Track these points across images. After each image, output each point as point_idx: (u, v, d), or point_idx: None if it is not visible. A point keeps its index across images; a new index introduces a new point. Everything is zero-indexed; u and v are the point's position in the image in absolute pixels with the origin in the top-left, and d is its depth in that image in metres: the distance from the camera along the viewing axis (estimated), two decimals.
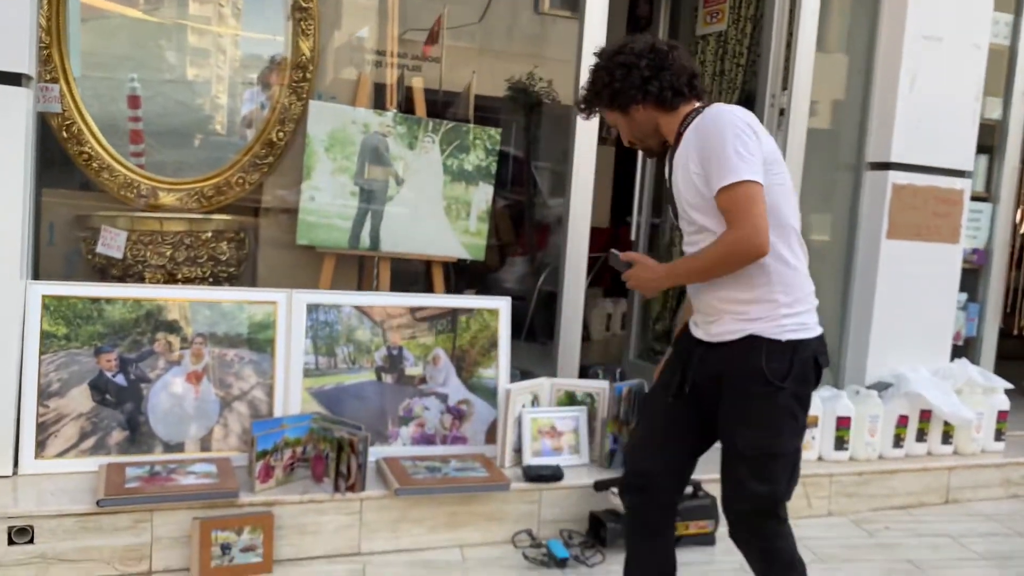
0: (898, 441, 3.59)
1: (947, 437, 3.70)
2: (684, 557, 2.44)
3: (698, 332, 2.11)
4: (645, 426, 2.31)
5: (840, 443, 3.48)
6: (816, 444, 3.46)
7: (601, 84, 2.09)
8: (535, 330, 5.41)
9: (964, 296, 4.24)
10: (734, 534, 2.12)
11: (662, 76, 2.04)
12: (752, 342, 1.98)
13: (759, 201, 1.88)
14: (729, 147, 1.89)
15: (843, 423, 3.47)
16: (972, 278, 4.33)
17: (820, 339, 2.08)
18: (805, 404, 2.06)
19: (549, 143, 6.24)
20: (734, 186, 1.88)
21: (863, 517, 3.39)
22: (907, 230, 3.77)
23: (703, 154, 1.92)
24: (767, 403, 1.98)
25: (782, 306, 1.99)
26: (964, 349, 4.34)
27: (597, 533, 2.86)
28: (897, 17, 3.73)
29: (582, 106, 2.18)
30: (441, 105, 4.41)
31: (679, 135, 2.05)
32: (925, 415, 3.63)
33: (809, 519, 3.31)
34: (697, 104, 2.08)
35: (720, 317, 2.03)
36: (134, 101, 3.10)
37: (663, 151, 2.15)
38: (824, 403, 3.48)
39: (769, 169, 1.94)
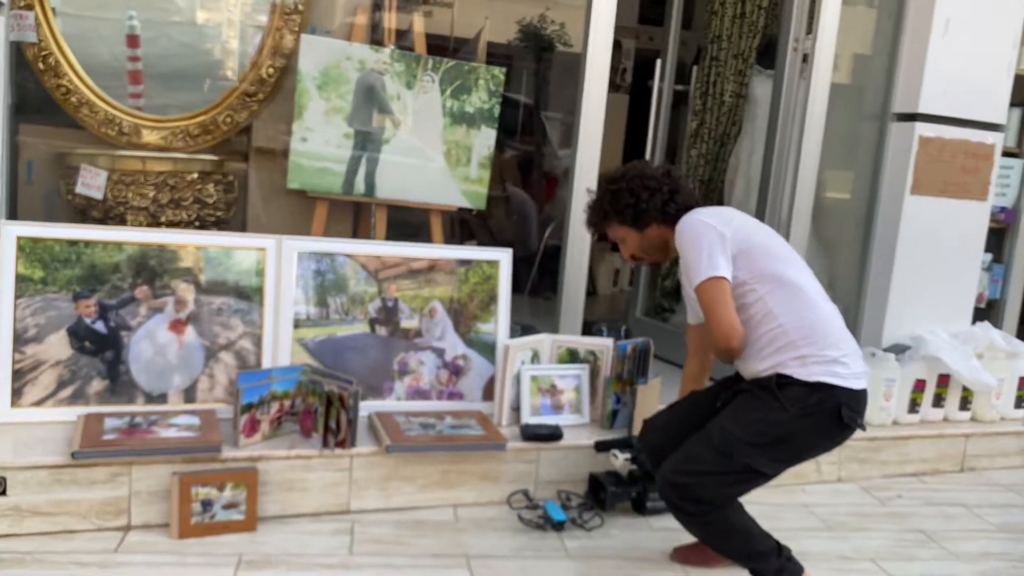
0: (914, 406, 3.45)
1: (965, 403, 3.55)
2: (663, 523, 2.36)
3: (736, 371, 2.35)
4: (673, 408, 2.53)
5: None
6: None
7: (624, 204, 2.33)
8: (540, 284, 5.28)
9: (989, 257, 4.06)
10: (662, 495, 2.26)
11: (677, 198, 2.32)
12: (778, 377, 2.15)
13: (720, 298, 2.13)
14: (690, 251, 2.19)
15: None
16: (998, 238, 4.15)
17: (853, 393, 2.14)
18: (802, 447, 2.19)
19: (559, 90, 6.03)
20: (699, 286, 2.15)
21: (874, 484, 3.27)
22: (933, 186, 3.58)
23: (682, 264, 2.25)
24: (762, 414, 2.13)
25: (807, 356, 2.12)
26: (987, 312, 4.17)
27: (596, 495, 2.74)
28: None
29: (595, 221, 2.44)
30: (452, 52, 4.23)
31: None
32: (943, 380, 3.48)
33: (818, 485, 3.19)
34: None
35: (748, 362, 2.23)
36: (133, 40, 2.93)
37: (661, 262, 2.50)
38: None
39: (743, 245, 2.17)
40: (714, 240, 2.15)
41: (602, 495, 2.68)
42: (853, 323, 3.79)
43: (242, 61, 3.03)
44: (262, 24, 2.98)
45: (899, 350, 3.51)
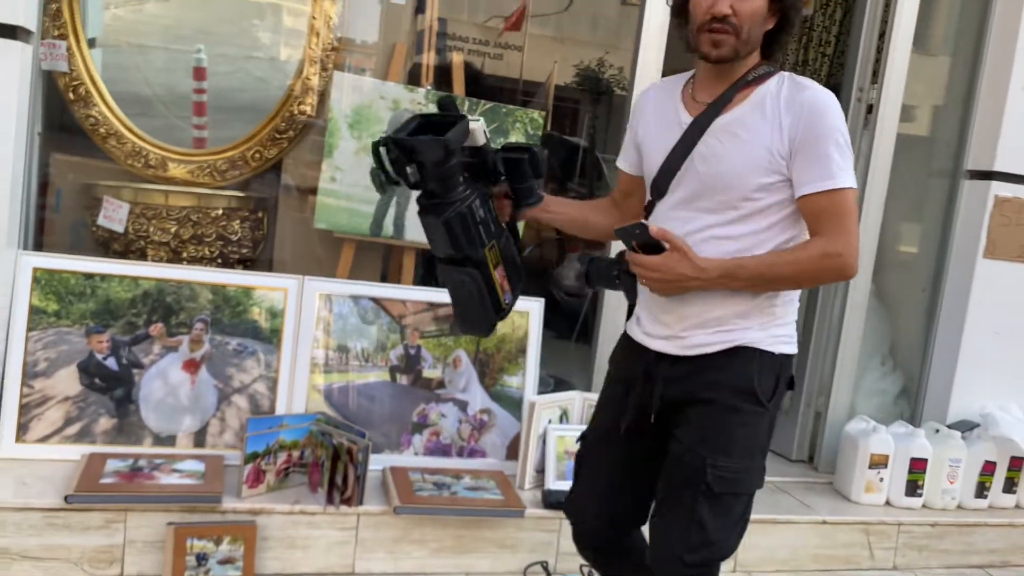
0: (982, 490, 3.15)
1: None
2: None
3: (658, 343, 1.75)
4: (593, 476, 1.87)
5: (913, 488, 3.05)
6: (885, 487, 3.05)
7: None
8: (588, 332, 5.11)
9: None
10: None
11: None
12: (741, 354, 1.69)
13: (856, 214, 1.66)
14: (840, 140, 1.63)
15: (918, 465, 3.05)
16: None
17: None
18: (771, 435, 1.80)
19: (617, 134, 5.91)
20: (839, 192, 1.62)
21: (934, 575, 2.97)
22: (1009, 250, 3.31)
23: (804, 138, 1.61)
24: (749, 429, 1.70)
25: (778, 315, 1.73)
26: None
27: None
28: (1011, 16, 3.30)
29: None
30: (521, 94, 4.15)
31: (737, 85, 1.67)
32: (1016, 462, 3.18)
33: (871, 572, 2.91)
34: (763, 62, 1.71)
35: (703, 324, 1.70)
36: (199, 73, 2.91)
37: (726, 58, 1.66)
38: (897, 441, 3.06)
39: None
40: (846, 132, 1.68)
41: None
42: (915, 393, 3.51)
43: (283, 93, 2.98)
44: (297, 59, 2.91)
45: (966, 427, 3.22)
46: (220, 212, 2.76)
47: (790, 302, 1.75)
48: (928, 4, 3.31)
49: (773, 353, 1.71)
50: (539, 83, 5.03)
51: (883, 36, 3.25)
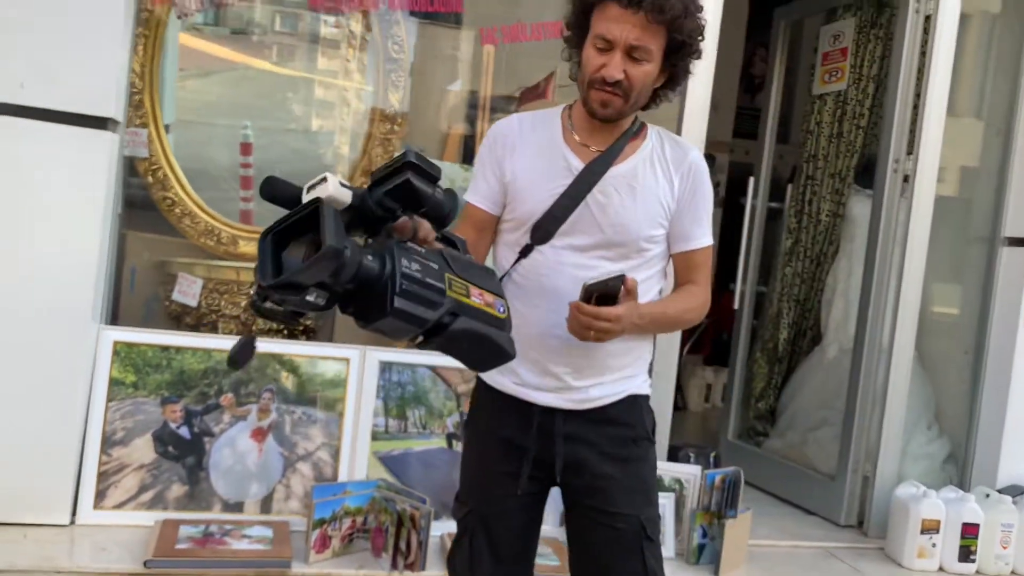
0: None
1: None
2: None
3: (545, 396, 1.68)
4: (498, 548, 1.75)
5: (966, 554, 3.06)
6: (938, 552, 3.06)
7: (697, 23, 1.65)
8: None
9: None
10: None
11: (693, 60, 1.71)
12: (633, 402, 1.74)
13: None
14: (712, 200, 1.77)
15: (970, 530, 3.06)
16: None
17: None
18: None
19: None
20: (710, 248, 1.77)
21: None
22: None
23: (691, 199, 1.71)
24: (653, 470, 1.78)
25: (647, 361, 1.80)
26: None
27: None
28: None
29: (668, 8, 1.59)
30: None
31: (626, 136, 1.69)
32: None
33: None
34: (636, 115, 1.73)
35: (601, 377, 1.69)
36: (246, 148, 3.10)
37: (612, 119, 1.65)
38: (948, 506, 3.08)
39: None
40: None
41: None
42: (963, 458, 3.53)
43: (350, 168, 3.16)
44: (361, 131, 3.10)
45: (1016, 492, 3.23)
46: None
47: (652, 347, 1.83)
48: (960, 67, 3.42)
49: (648, 395, 1.79)
50: None
51: (916, 107, 3.36)
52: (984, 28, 3.77)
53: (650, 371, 1.82)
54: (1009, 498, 3.15)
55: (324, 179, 1.27)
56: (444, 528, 2.74)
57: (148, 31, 2.82)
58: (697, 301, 1.75)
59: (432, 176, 1.33)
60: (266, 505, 2.72)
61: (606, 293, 1.57)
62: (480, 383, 1.79)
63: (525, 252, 1.69)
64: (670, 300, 1.76)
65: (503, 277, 1.70)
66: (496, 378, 1.73)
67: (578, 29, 1.67)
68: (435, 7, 2.96)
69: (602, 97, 1.62)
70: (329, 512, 2.53)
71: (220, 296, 2.86)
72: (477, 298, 1.37)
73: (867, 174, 3.72)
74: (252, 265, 2.93)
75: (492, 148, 1.73)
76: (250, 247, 2.98)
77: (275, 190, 1.34)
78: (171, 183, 2.90)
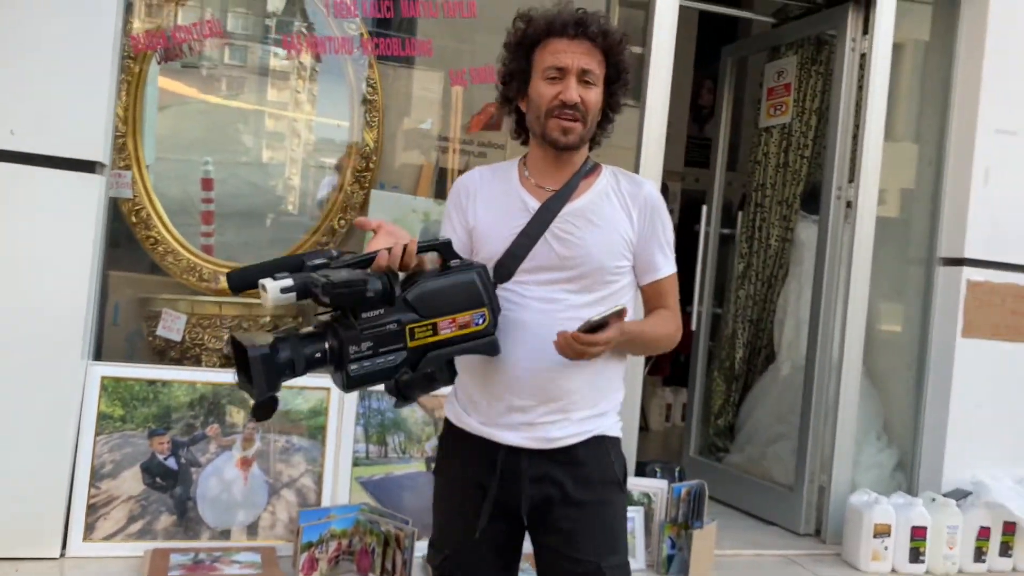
0: (980, 555, 3.35)
1: None
2: None
3: (508, 435, 1.68)
4: None
5: (916, 555, 3.26)
6: (890, 555, 3.25)
7: (629, 55, 1.77)
8: None
9: None
10: None
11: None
12: (600, 443, 1.72)
13: None
14: (671, 230, 1.81)
15: (918, 533, 3.26)
16: None
17: None
18: None
19: None
20: (675, 275, 1.82)
21: None
22: (984, 328, 3.60)
23: (651, 231, 1.75)
24: (620, 518, 1.76)
25: (617, 400, 1.79)
26: None
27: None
28: (969, 110, 3.65)
29: (593, 28, 1.69)
30: None
31: (579, 174, 1.74)
32: (1009, 527, 3.39)
33: None
34: (587, 155, 1.80)
35: (567, 414, 1.68)
36: (207, 183, 3.19)
37: (573, 145, 1.71)
38: (898, 511, 3.28)
39: None
40: None
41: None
42: (910, 466, 3.74)
43: (302, 199, 3.26)
44: (324, 164, 3.21)
45: (960, 495, 3.44)
46: (268, 319, 3.01)
47: (623, 390, 1.82)
48: (895, 94, 3.64)
49: (619, 438, 1.76)
50: None
51: (856, 137, 3.60)
52: (916, 56, 4.04)
53: None
54: (953, 501, 3.35)
55: (264, 288, 1.37)
56: (422, 549, 2.84)
57: (131, 77, 2.93)
58: (672, 326, 1.79)
59: (349, 283, 1.37)
60: (252, 531, 2.80)
61: (602, 324, 1.58)
62: (447, 424, 1.79)
63: None
64: (648, 321, 1.79)
65: None
66: (462, 417, 1.74)
67: (520, 73, 1.73)
68: (407, 51, 3.12)
69: (562, 124, 1.68)
70: (316, 536, 2.63)
71: (203, 330, 2.95)
72: (447, 328, 1.48)
73: (812, 201, 3.95)
74: (234, 300, 3.03)
75: (456, 199, 1.80)
76: None
77: (239, 283, 1.47)
78: (154, 222, 2.99)
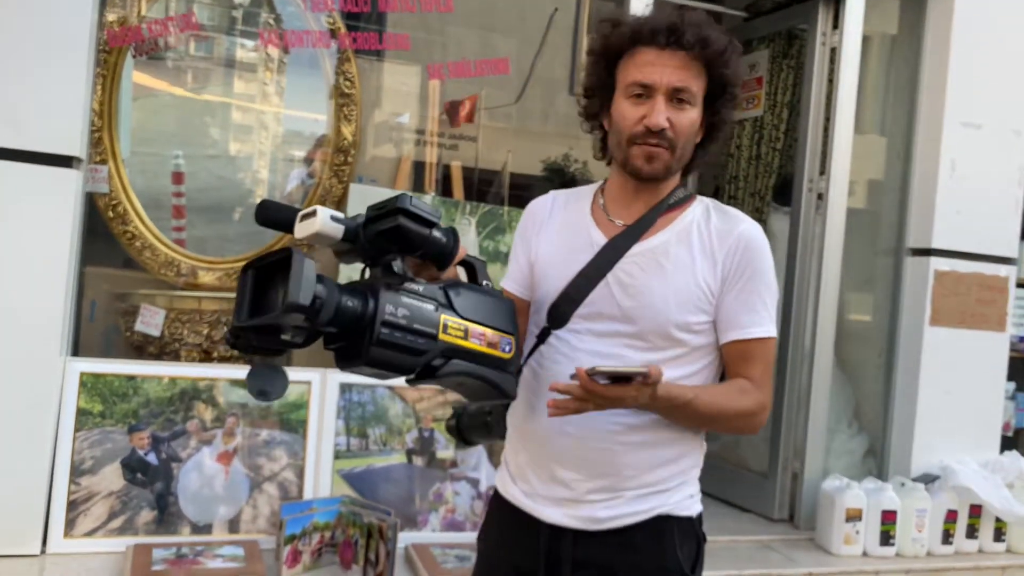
0: (947, 537, 3.44)
1: (1000, 534, 3.53)
2: None
3: (553, 513, 1.46)
4: None
5: (886, 538, 3.34)
6: (860, 539, 3.33)
7: (739, 65, 1.48)
8: None
9: (1012, 385, 4.11)
10: None
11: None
12: (660, 525, 1.44)
13: None
14: (774, 283, 1.49)
15: (888, 517, 3.34)
16: (1021, 366, 4.21)
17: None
18: None
19: None
20: (771, 340, 1.48)
21: None
22: (951, 317, 3.69)
23: (741, 276, 1.45)
24: None
25: (694, 475, 1.51)
26: (1014, 441, 4.19)
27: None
28: (936, 104, 3.72)
29: (702, 41, 1.42)
30: (477, 183, 4.45)
31: (661, 207, 1.49)
32: (975, 510, 3.48)
33: None
34: (681, 184, 1.54)
35: (620, 491, 1.43)
36: (177, 177, 3.17)
37: (659, 176, 1.47)
38: (868, 495, 3.35)
39: None
40: None
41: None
42: (881, 451, 3.82)
43: (271, 192, 3.26)
44: (293, 157, 3.20)
45: (928, 480, 3.53)
46: None
47: (702, 458, 1.55)
48: (864, 86, 3.70)
49: (692, 517, 1.49)
50: (495, 171, 5.36)
51: (826, 130, 3.66)
52: (885, 49, 4.11)
53: None
54: (922, 486, 3.44)
55: (314, 212, 1.24)
56: (405, 540, 2.87)
57: (106, 70, 2.91)
58: (748, 400, 1.44)
59: (427, 221, 1.27)
60: (234, 526, 2.81)
61: (620, 377, 1.33)
62: (495, 493, 1.60)
63: (542, 337, 1.50)
64: (709, 389, 1.45)
65: (523, 364, 1.51)
66: (508, 487, 1.54)
67: (602, 88, 1.49)
68: (384, 45, 3.13)
69: (647, 151, 1.43)
70: (299, 528, 2.65)
71: (182, 325, 2.95)
72: (477, 339, 1.32)
73: (784, 193, 4.01)
74: (212, 295, 3.03)
75: (523, 228, 1.59)
76: (209, 276, 3.08)
77: (269, 214, 1.33)
78: (130, 217, 2.98)
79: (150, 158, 3.20)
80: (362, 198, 3.11)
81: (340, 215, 1.27)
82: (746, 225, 1.50)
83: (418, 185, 3.32)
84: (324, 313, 1.19)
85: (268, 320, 1.19)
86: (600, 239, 1.49)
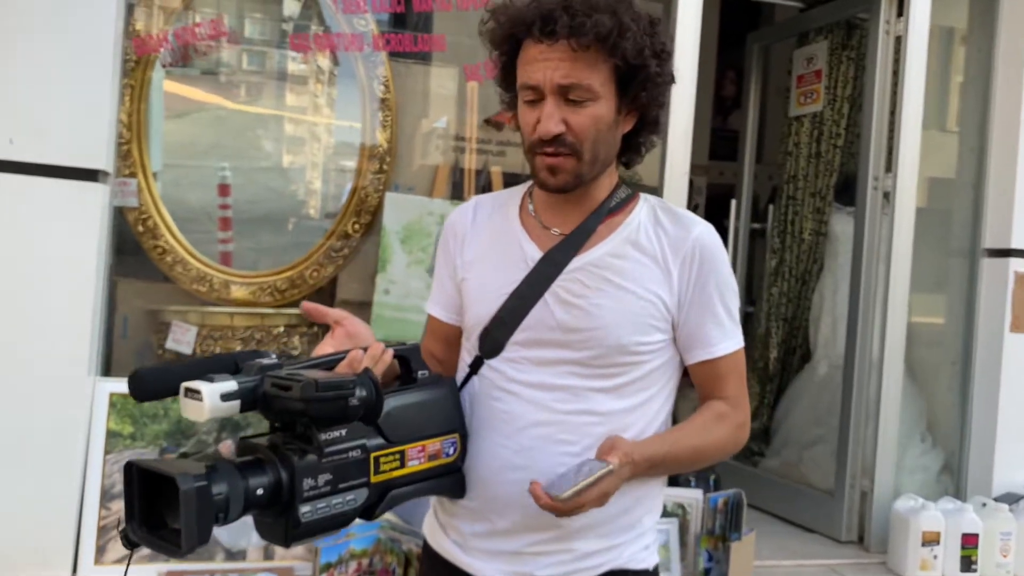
0: None
1: None
2: None
3: (491, 568, 1.27)
4: None
5: (967, 564, 3.09)
6: (940, 564, 3.08)
7: (645, 41, 1.21)
8: None
9: None
10: None
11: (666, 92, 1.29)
12: (624, 570, 1.28)
13: None
14: (735, 287, 1.33)
15: (970, 541, 3.09)
16: None
17: None
18: None
19: None
20: (741, 351, 1.32)
21: None
22: None
23: (702, 290, 1.28)
24: None
25: (649, 523, 1.33)
26: None
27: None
28: (1012, 99, 3.50)
29: (590, 31, 1.16)
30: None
31: (600, 213, 1.29)
32: None
33: None
34: (621, 182, 1.34)
35: (566, 543, 1.25)
36: (224, 189, 3.10)
37: (568, 187, 1.25)
38: (947, 517, 3.11)
39: None
40: None
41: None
42: (958, 468, 3.57)
43: (323, 204, 3.16)
44: (343, 167, 3.11)
45: (1012, 499, 3.27)
46: (281, 329, 2.91)
47: (661, 502, 1.38)
48: (932, 82, 3.48)
49: (648, 571, 1.32)
50: None
51: (892, 125, 3.43)
52: (953, 39, 3.86)
53: None
54: (1006, 506, 3.19)
55: (199, 394, 1.07)
56: None
57: (134, 81, 2.83)
58: (726, 427, 1.31)
59: (341, 397, 1.07)
60: (269, 552, 2.69)
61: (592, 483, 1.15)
62: (424, 545, 1.41)
63: (475, 367, 1.31)
64: (683, 431, 1.31)
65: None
66: (437, 537, 1.35)
67: (508, 89, 1.31)
68: (419, 47, 3.00)
69: (547, 162, 1.23)
70: (335, 556, 2.52)
71: (215, 342, 2.85)
72: (416, 459, 1.18)
73: (847, 192, 3.79)
74: (246, 310, 2.93)
75: (444, 244, 1.39)
76: (242, 291, 2.98)
77: (147, 386, 1.16)
78: (161, 231, 2.89)
79: (192, 171, 3.13)
80: (397, 207, 2.99)
81: (232, 387, 1.08)
82: (700, 228, 1.30)
83: (457, 193, 3.17)
84: (232, 514, 1.08)
85: (166, 550, 1.06)
86: (535, 252, 1.29)
